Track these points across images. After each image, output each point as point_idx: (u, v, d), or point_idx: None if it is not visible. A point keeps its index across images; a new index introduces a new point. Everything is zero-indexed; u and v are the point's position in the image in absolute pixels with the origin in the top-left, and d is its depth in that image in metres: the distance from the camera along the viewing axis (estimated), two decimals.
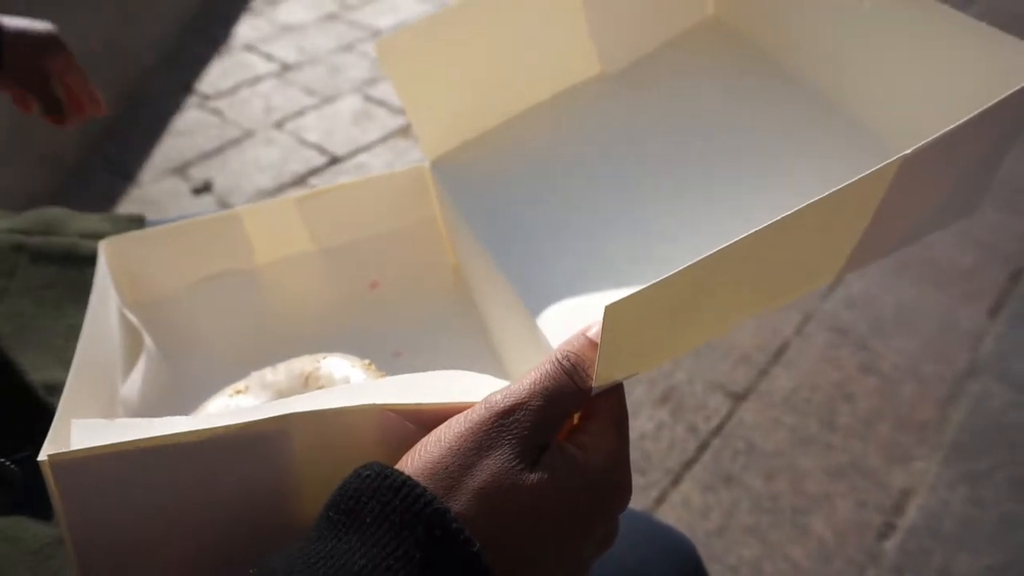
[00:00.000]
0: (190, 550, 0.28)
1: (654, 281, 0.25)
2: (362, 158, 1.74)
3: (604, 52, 0.48)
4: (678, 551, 0.51)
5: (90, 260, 0.44)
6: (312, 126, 1.84)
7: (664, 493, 1.06)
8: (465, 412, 0.27)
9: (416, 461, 0.26)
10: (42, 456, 0.25)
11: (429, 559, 0.23)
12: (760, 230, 0.26)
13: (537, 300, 0.38)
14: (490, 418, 0.26)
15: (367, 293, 0.50)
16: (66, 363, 0.37)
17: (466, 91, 0.47)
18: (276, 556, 0.25)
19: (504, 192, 0.44)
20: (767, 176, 0.41)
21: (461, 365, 0.45)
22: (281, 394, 0.39)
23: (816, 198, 0.27)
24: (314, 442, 0.28)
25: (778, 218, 0.26)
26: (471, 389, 0.30)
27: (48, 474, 0.25)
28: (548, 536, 0.26)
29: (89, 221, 0.48)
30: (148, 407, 0.41)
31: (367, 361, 0.40)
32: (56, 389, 0.37)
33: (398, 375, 0.31)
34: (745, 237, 0.26)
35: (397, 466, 0.26)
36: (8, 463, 0.28)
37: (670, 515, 1.03)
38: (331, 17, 2.36)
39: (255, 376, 0.40)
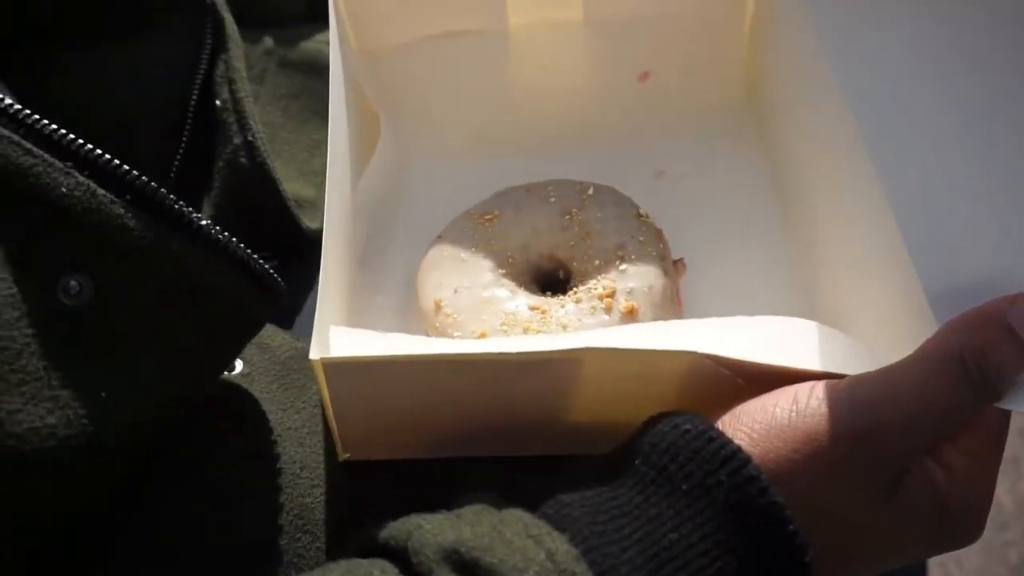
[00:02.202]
0: (441, 431, 0.28)
1: None
2: None
3: None
4: None
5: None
6: None
7: None
8: (819, 398, 0.23)
9: (748, 442, 0.22)
10: (313, 355, 0.24)
11: (753, 555, 0.21)
12: None
13: (907, 211, 0.27)
14: (858, 432, 0.22)
15: (634, 85, 0.41)
16: (309, 176, 0.37)
17: None
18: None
19: (871, 20, 0.31)
20: None
21: (734, 200, 0.39)
22: (538, 231, 0.35)
23: None
24: (606, 372, 0.25)
25: None
26: (804, 348, 0.25)
27: (319, 370, 0.25)
28: (879, 557, 0.24)
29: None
30: (381, 202, 0.37)
31: (639, 209, 0.35)
32: (300, 203, 0.35)
33: (707, 319, 0.26)
34: None
35: (719, 426, 0.22)
36: (277, 277, 0.26)
37: None
38: None
39: (506, 200, 0.36)
